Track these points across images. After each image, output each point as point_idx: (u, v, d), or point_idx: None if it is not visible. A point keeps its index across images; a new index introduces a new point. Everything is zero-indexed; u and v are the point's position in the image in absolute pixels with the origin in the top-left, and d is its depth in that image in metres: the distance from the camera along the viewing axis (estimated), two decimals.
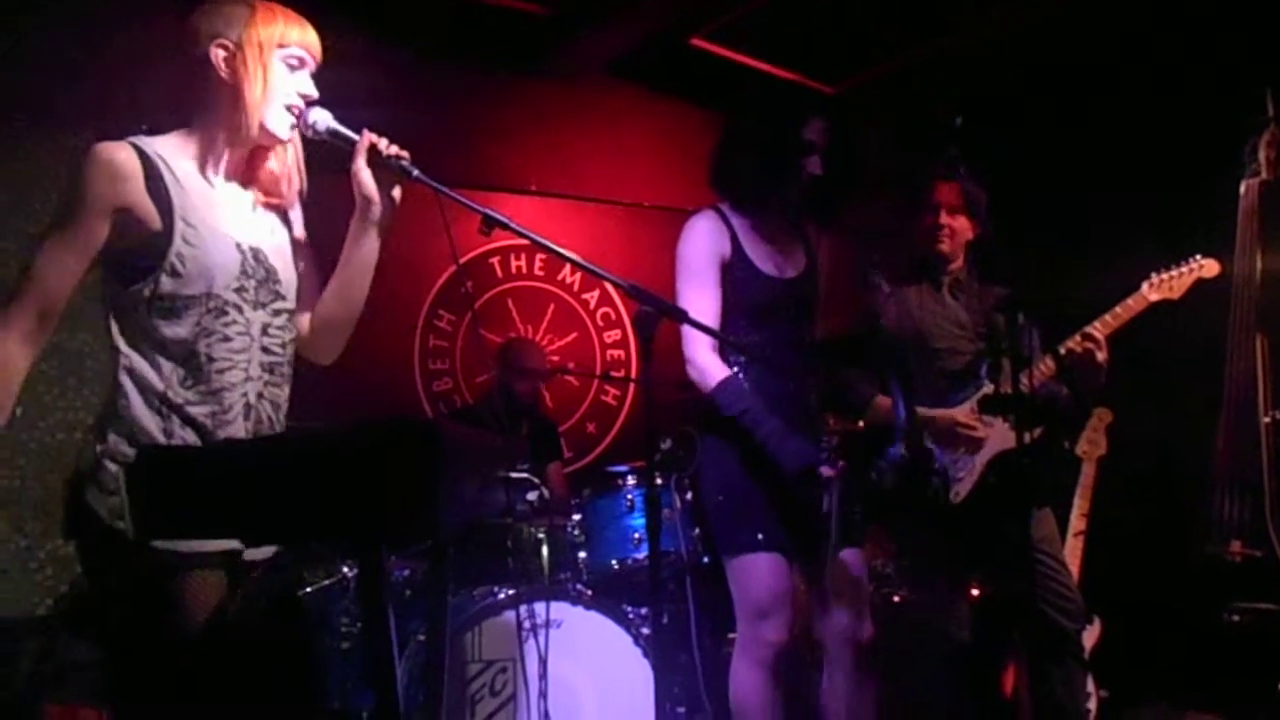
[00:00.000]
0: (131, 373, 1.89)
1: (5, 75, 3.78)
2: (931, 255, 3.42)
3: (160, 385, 1.88)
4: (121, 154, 1.89)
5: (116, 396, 1.89)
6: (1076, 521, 3.97)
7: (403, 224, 2.31)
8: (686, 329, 2.76)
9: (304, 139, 2.09)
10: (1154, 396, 4.11)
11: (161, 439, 1.86)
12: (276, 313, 2.03)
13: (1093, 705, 3.65)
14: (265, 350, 2.00)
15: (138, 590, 1.84)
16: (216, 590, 1.87)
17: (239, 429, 1.94)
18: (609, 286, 5.37)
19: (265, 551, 1.99)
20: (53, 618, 3.49)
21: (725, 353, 2.85)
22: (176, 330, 1.90)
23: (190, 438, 1.88)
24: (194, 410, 1.89)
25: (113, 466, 1.85)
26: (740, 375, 2.83)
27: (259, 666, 1.98)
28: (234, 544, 1.87)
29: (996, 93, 4.48)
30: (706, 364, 2.80)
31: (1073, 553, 3.87)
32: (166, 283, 1.88)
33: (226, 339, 1.93)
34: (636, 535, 3.56)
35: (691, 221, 2.93)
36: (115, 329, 1.92)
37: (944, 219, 3.37)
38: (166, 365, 1.89)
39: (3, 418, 1.85)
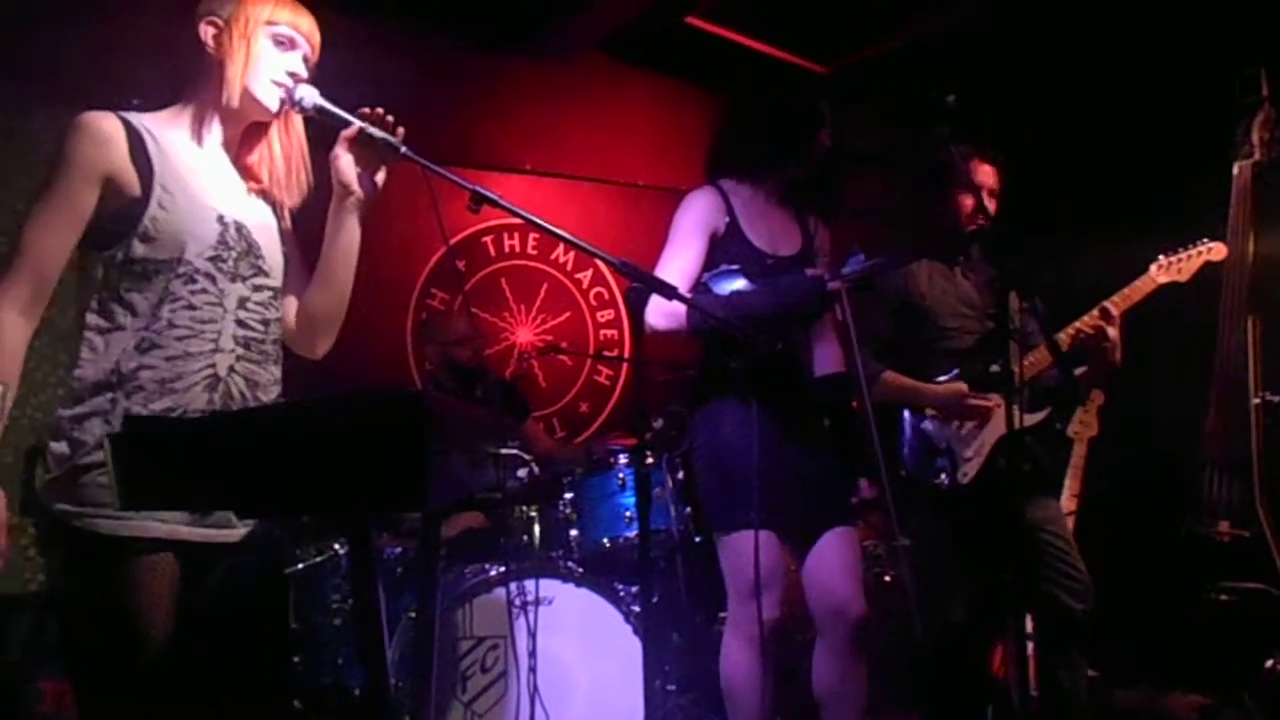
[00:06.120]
0: (91, 344, 1.88)
1: None
2: (965, 236, 3.34)
3: (116, 353, 1.86)
4: (106, 122, 1.90)
5: (75, 370, 1.89)
6: (1067, 502, 3.97)
7: (396, 202, 2.30)
8: (653, 300, 2.66)
9: (308, 136, 2.10)
10: (1145, 377, 4.12)
11: (105, 408, 1.84)
12: (258, 288, 2.01)
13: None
14: (241, 324, 1.97)
15: (81, 573, 1.82)
16: (164, 575, 1.83)
17: (197, 399, 1.89)
18: (602, 266, 5.37)
19: (228, 535, 1.93)
20: (45, 593, 3.47)
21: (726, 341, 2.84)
22: (143, 295, 1.88)
23: (134, 406, 1.84)
24: (144, 375, 1.85)
25: (55, 445, 1.84)
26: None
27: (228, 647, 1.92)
28: (182, 529, 1.85)
29: (992, 71, 4.46)
30: (669, 309, 2.69)
31: None
32: (138, 247, 1.88)
33: (192, 307, 1.90)
34: (628, 513, 3.57)
35: (689, 195, 2.94)
36: (84, 299, 1.91)
37: (986, 201, 3.27)
38: (127, 330, 1.87)
39: (11, 392, 1.84)
